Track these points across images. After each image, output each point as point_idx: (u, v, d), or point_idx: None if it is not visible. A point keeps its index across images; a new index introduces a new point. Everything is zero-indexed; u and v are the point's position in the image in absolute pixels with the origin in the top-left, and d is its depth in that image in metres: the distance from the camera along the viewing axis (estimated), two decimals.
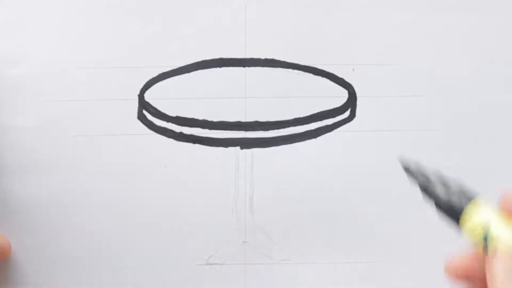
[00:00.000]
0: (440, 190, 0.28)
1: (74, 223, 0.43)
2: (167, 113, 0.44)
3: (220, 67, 0.44)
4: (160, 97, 0.44)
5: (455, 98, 0.44)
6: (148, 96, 0.44)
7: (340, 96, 0.44)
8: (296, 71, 0.44)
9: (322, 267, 0.44)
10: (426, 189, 0.28)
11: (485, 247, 0.26)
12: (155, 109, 0.44)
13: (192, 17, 0.44)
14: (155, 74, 0.44)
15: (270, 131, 0.44)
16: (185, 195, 0.44)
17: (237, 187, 0.44)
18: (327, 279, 0.44)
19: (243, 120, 0.44)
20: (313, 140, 0.44)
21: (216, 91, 0.44)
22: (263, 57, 0.44)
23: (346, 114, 0.44)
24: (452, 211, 0.27)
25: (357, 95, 0.44)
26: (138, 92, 0.44)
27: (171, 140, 0.44)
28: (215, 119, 0.44)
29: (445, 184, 0.28)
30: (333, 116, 0.44)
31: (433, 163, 0.30)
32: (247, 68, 0.44)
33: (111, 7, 0.44)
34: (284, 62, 0.44)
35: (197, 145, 0.44)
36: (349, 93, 0.44)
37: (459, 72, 0.44)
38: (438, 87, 0.44)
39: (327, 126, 0.44)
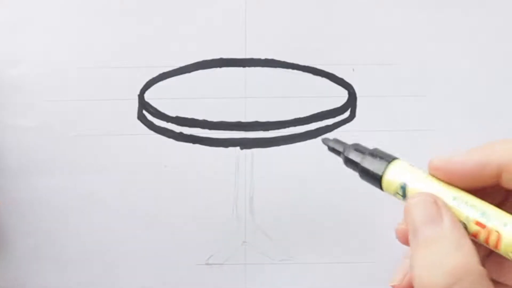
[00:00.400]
0: (360, 158, 0.30)
1: (74, 223, 0.43)
2: (167, 113, 0.44)
3: (220, 67, 0.44)
4: (160, 97, 0.44)
5: (455, 98, 0.44)
6: (148, 96, 0.44)
7: (340, 96, 0.44)
8: (296, 71, 0.44)
9: (322, 267, 0.44)
10: (349, 160, 0.31)
11: (402, 195, 0.28)
12: (155, 109, 0.44)
13: (192, 17, 0.44)
14: (155, 74, 0.44)
15: (270, 131, 0.44)
16: (185, 195, 0.44)
17: (237, 187, 0.44)
18: (327, 279, 0.44)
19: (243, 120, 0.44)
20: (313, 140, 0.44)
21: (216, 91, 0.44)
22: (263, 57, 0.44)
23: (346, 114, 0.44)
24: (373, 174, 0.30)
25: (357, 95, 0.44)
26: (138, 92, 0.44)
27: (171, 140, 0.44)
28: (215, 119, 0.44)
29: (364, 152, 0.31)
30: (333, 116, 0.44)
31: None
32: (247, 68, 0.44)
33: (111, 7, 0.44)
34: (284, 62, 0.44)
35: (197, 145, 0.44)
36: (349, 93, 0.44)
37: (459, 72, 0.44)
38: (438, 87, 0.44)
39: (327, 126, 0.44)
